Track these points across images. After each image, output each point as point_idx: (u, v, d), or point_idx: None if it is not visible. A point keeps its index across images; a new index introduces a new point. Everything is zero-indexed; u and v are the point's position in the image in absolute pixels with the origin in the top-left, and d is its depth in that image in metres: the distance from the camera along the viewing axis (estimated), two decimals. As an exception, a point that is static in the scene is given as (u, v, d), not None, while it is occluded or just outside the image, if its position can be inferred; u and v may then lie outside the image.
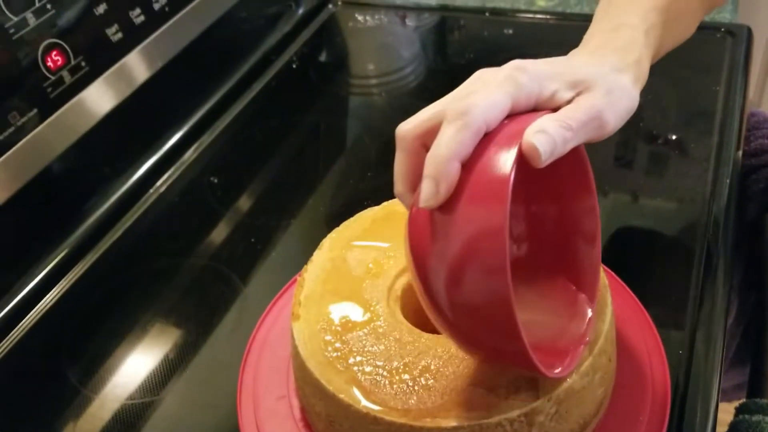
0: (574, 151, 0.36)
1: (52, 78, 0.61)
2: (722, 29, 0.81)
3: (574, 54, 0.43)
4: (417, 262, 0.35)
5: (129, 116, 0.70)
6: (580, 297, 0.42)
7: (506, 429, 0.38)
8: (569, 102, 0.37)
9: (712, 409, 0.48)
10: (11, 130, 0.58)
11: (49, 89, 0.61)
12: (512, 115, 0.35)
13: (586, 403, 0.41)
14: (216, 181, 0.73)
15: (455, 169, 0.33)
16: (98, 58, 0.65)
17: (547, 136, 0.33)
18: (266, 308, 0.55)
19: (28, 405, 0.54)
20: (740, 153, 0.70)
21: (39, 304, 0.61)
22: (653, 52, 0.44)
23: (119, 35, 0.66)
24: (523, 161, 0.33)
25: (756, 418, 0.53)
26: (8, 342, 0.58)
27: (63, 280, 0.63)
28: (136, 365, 0.56)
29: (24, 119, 0.59)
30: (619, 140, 0.72)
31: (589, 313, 0.41)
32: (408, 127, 0.38)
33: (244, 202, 0.71)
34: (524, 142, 0.33)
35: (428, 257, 0.34)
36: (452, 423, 0.38)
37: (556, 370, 0.37)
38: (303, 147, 0.77)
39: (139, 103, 0.70)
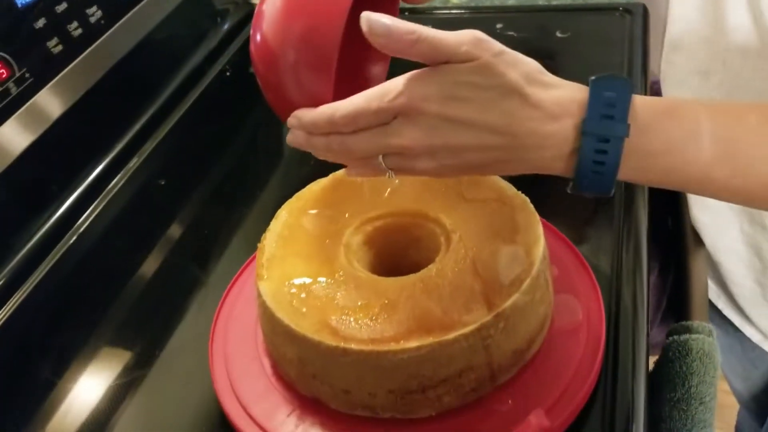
0: None
1: (-1, 89, 0.63)
2: (620, 8, 0.89)
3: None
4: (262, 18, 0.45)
5: (73, 126, 0.72)
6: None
7: (462, 345, 0.42)
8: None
9: (643, 329, 0.53)
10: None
11: (-4, 101, 0.63)
12: None
13: (530, 320, 0.46)
14: (164, 183, 0.76)
15: None
16: (41, 69, 0.67)
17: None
18: (228, 285, 0.58)
19: None
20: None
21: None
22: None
23: (60, 47, 0.69)
24: None
25: (683, 337, 0.59)
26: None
27: (27, 280, 0.64)
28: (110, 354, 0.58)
29: (-27, 130, 0.60)
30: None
31: None
32: None
33: (195, 201, 0.73)
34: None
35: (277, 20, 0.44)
36: (414, 344, 0.42)
37: None
38: (248, 145, 0.80)
39: (81, 113, 0.73)
